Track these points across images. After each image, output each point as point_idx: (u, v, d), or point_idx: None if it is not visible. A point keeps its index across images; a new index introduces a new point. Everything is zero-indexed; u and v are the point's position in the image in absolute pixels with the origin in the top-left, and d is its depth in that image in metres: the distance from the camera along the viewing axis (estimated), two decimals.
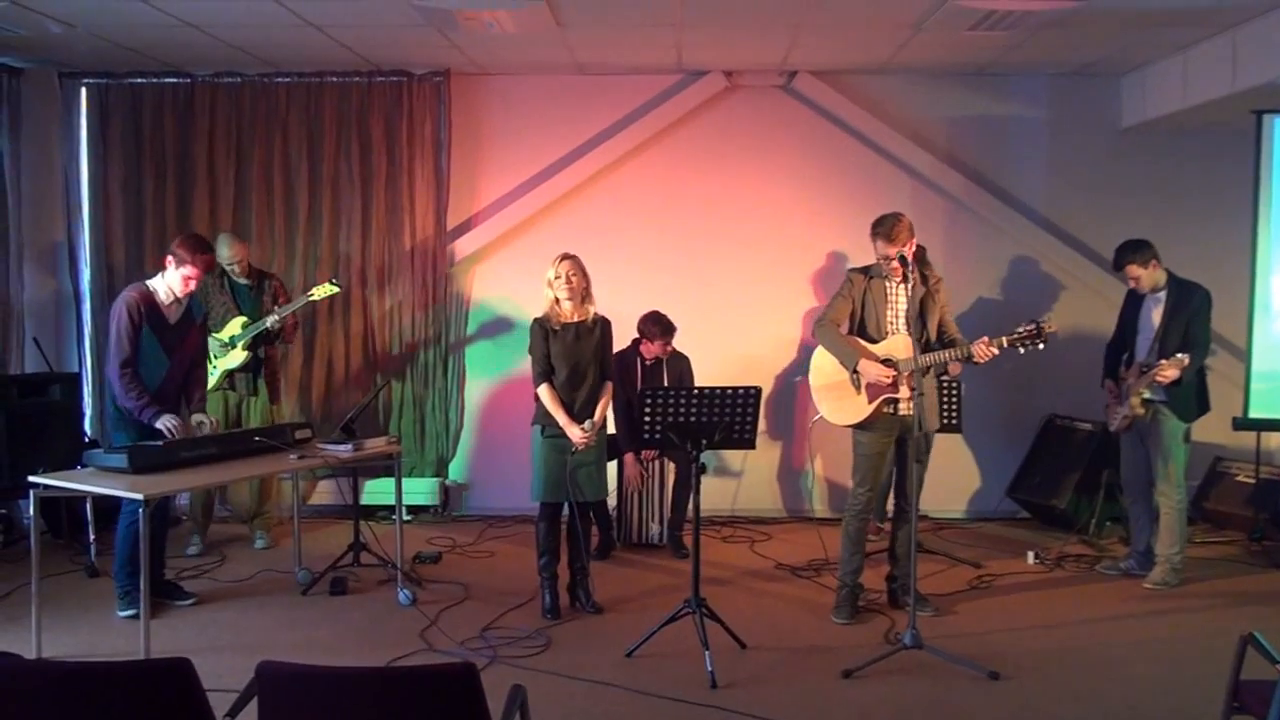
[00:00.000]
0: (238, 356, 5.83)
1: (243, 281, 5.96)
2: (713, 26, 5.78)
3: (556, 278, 4.81)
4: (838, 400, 4.79)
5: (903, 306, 4.68)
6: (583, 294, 4.85)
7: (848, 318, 4.83)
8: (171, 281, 4.79)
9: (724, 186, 6.93)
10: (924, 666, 4.19)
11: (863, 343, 4.75)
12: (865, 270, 4.84)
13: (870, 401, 4.69)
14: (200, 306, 5.09)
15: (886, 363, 4.64)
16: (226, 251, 5.83)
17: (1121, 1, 5.17)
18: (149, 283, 4.85)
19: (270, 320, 5.80)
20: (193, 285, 4.81)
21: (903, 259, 4.54)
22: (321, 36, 5.93)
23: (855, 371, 4.69)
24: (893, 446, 4.80)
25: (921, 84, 6.86)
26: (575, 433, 4.76)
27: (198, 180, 6.79)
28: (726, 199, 6.93)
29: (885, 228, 4.64)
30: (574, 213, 6.91)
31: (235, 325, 5.83)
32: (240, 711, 2.46)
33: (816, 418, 4.95)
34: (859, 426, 4.77)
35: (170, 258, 4.78)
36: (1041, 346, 4.47)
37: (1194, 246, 6.31)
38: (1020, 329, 4.48)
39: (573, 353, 4.82)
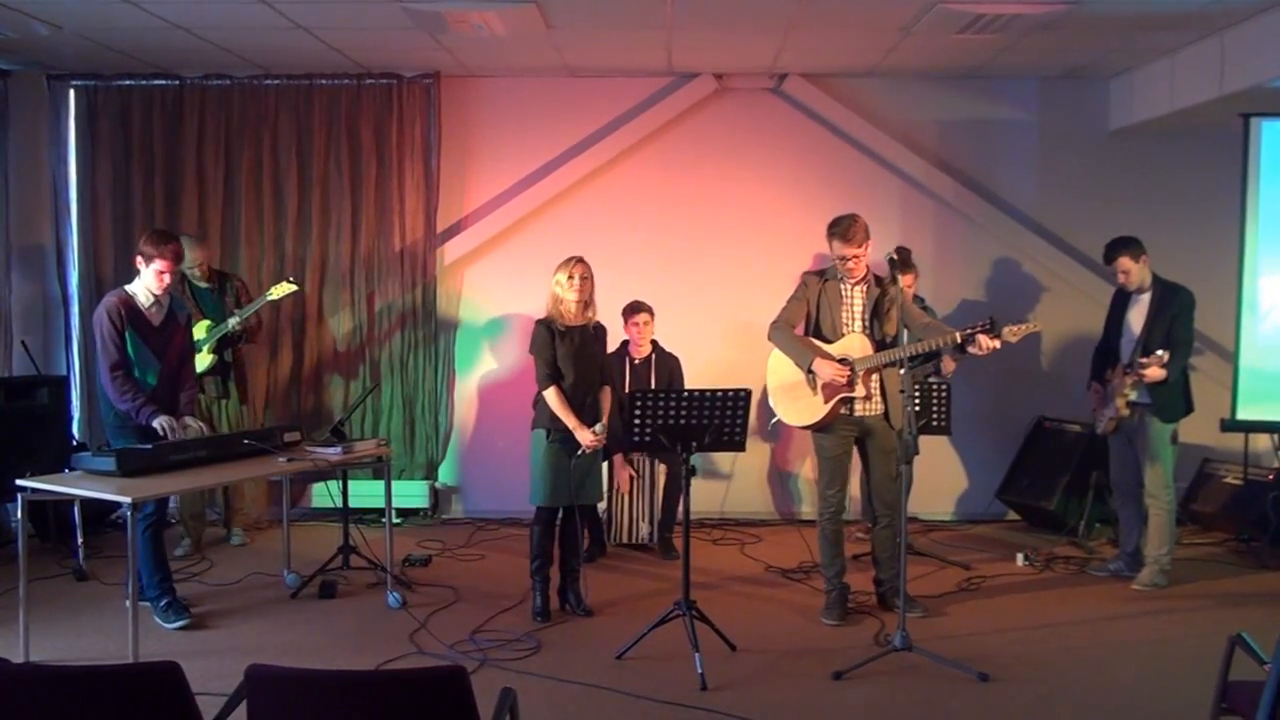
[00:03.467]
0: (204, 360, 5.78)
1: (203, 285, 5.97)
2: (703, 29, 5.79)
3: (570, 278, 4.76)
4: (794, 401, 4.79)
5: (858, 307, 4.70)
6: (588, 299, 4.85)
7: (802, 320, 4.82)
8: (147, 282, 4.75)
9: (714, 189, 6.93)
10: (914, 668, 4.20)
11: (817, 342, 4.75)
12: (820, 273, 4.84)
13: (826, 401, 4.69)
14: (182, 305, 5.04)
15: (842, 362, 4.65)
16: (187, 254, 5.71)
17: (1109, 5, 5.20)
18: (127, 288, 4.80)
19: (232, 322, 5.81)
20: (168, 279, 4.76)
21: (891, 261, 4.54)
22: (311, 39, 5.92)
23: (810, 371, 4.69)
24: (854, 447, 4.81)
25: (911, 87, 6.88)
26: (586, 436, 4.73)
27: (186, 182, 6.76)
28: (716, 201, 6.93)
29: (841, 228, 4.65)
30: (564, 215, 6.91)
31: (200, 329, 5.77)
32: (229, 715, 2.46)
33: (774, 420, 4.94)
34: (818, 429, 4.77)
35: (139, 258, 4.74)
36: (996, 343, 4.41)
37: (1181, 248, 6.33)
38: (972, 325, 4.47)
39: (581, 356, 4.80)
